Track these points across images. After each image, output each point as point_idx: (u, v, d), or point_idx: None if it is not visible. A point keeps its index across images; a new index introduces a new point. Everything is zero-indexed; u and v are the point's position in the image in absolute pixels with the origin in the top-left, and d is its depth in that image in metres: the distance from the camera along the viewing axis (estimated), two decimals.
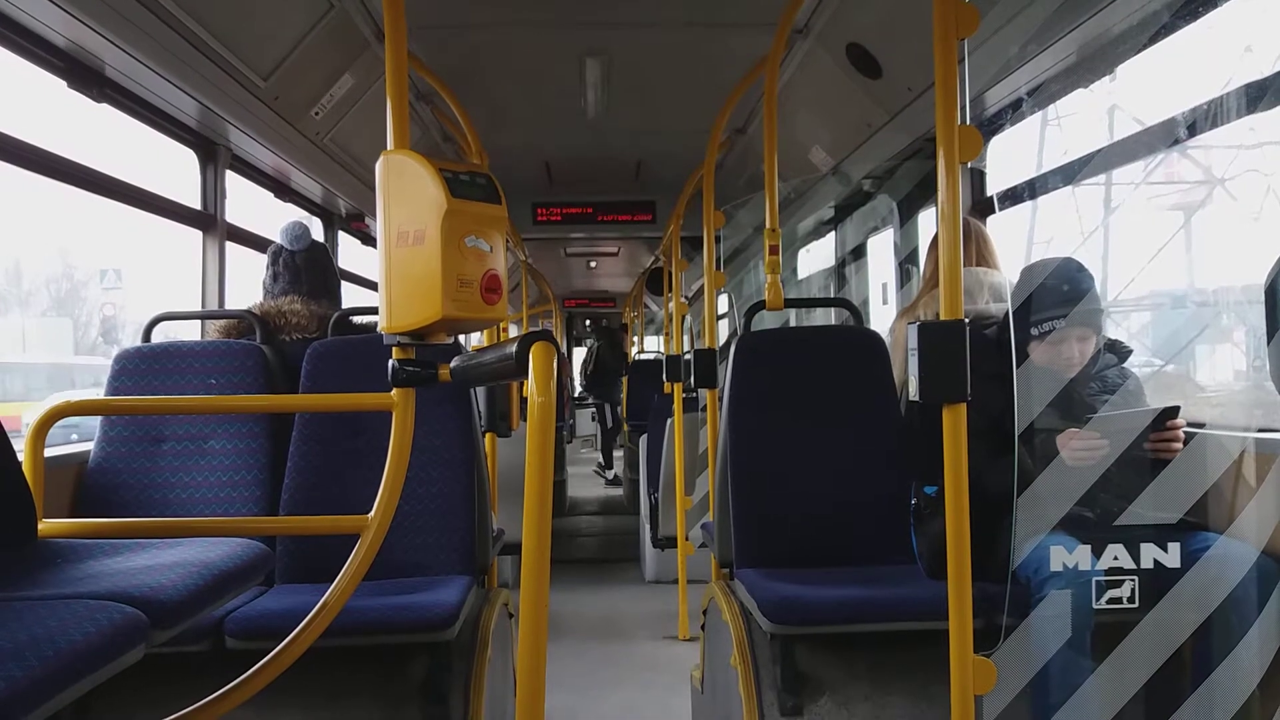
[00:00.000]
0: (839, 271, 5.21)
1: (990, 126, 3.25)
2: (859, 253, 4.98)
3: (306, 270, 2.97)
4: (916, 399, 1.67)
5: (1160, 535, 1.91)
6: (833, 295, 5.18)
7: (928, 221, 4.09)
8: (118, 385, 2.66)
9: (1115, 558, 1.89)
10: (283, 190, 4.11)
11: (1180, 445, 2.08)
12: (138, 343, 2.80)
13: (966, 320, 1.66)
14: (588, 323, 15.77)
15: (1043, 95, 2.95)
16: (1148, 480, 2.05)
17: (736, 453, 2.75)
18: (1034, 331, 2.25)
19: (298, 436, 2.64)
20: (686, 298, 7.02)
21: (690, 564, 4.51)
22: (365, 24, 3.22)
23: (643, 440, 6.13)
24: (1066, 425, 2.12)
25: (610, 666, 4.09)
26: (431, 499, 2.60)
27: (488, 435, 3.08)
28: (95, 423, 2.68)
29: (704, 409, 3.94)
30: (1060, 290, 2.21)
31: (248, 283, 3.30)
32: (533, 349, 1.36)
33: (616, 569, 6.13)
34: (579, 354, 16.20)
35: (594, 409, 11.14)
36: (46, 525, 1.68)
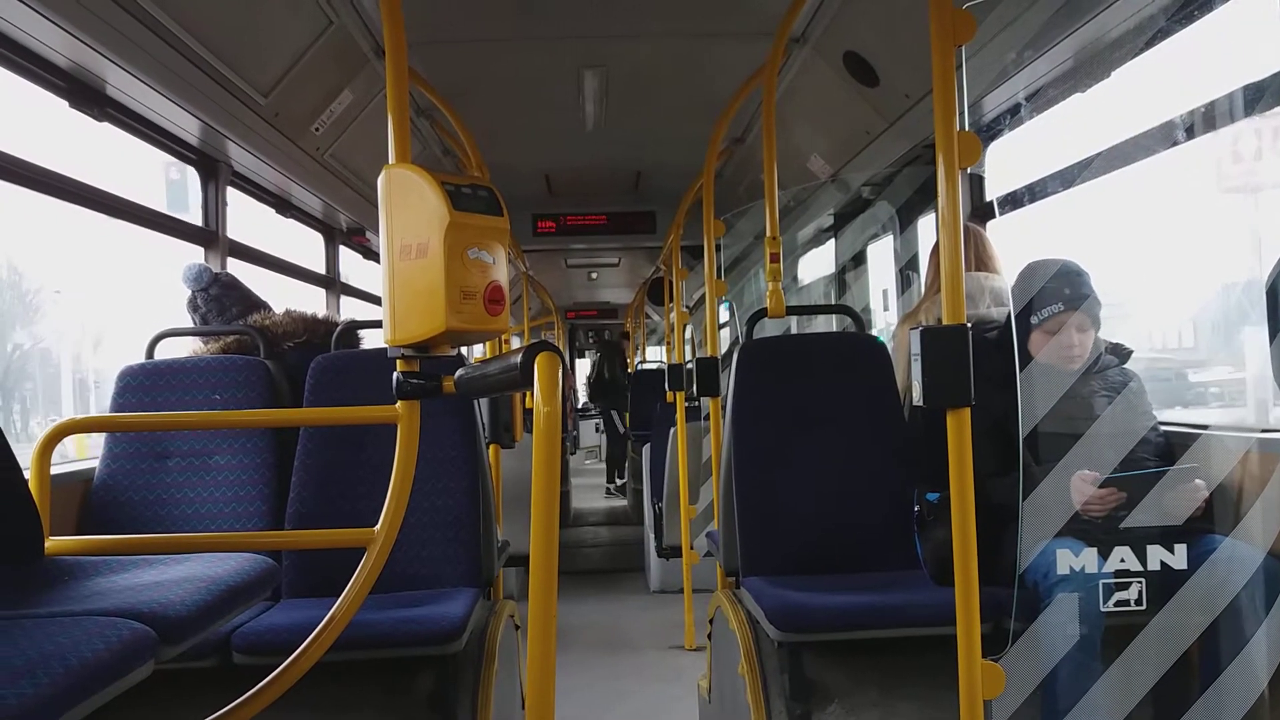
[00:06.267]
0: (840, 278, 5.21)
1: (989, 132, 3.26)
2: (859, 259, 4.98)
3: (224, 298, 3.00)
4: (920, 404, 1.67)
5: (1166, 537, 1.91)
6: (834, 302, 5.19)
7: (927, 227, 4.10)
8: (122, 402, 2.66)
9: (1122, 560, 1.89)
10: (284, 206, 4.12)
11: (1200, 507, 2.04)
12: (141, 359, 2.81)
13: (969, 325, 1.67)
14: (590, 336, 15.76)
15: (1040, 100, 2.96)
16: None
17: (740, 461, 2.75)
18: (1034, 320, 2.29)
19: (302, 450, 2.64)
20: (688, 307, 7.01)
21: (695, 573, 4.50)
22: (364, 40, 3.24)
23: (646, 450, 6.12)
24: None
25: (617, 677, 4.08)
26: (436, 511, 2.60)
27: (491, 447, 3.08)
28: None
29: (707, 418, 3.94)
30: (1061, 288, 2.30)
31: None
32: (538, 359, 1.35)
33: (621, 579, 6.11)
34: (582, 366, 16.19)
35: (598, 420, 11.08)
36: (53, 543, 1.68)
